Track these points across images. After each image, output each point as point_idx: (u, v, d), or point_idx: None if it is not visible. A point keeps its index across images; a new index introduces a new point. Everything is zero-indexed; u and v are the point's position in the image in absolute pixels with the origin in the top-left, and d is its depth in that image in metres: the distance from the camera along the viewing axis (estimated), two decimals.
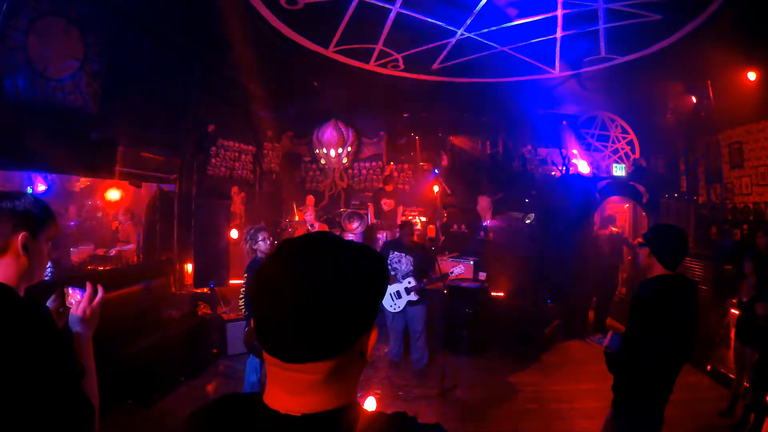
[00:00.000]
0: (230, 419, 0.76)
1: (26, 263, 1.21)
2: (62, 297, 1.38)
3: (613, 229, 7.32)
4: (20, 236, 1.19)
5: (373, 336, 0.76)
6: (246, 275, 3.86)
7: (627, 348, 2.27)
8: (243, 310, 3.87)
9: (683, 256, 2.31)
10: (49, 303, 1.37)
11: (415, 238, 5.60)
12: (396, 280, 5.10)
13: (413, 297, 5.04)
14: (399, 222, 8.10)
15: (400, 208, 8.42)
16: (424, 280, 5.06)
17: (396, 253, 5.19)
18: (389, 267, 5.13)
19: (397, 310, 5.07)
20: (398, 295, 5.06)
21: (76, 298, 1.37)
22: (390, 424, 0.74)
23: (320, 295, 0.67)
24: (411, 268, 5.11)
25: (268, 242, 3.96)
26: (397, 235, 5.55)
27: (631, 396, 2.25)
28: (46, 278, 1.37)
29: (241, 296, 3.90)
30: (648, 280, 2.28)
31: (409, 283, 5.04)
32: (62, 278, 4.42)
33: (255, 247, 3.93)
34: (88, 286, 1.38)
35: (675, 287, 2.24)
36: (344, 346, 0.70)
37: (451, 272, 5.09)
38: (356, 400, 0.77)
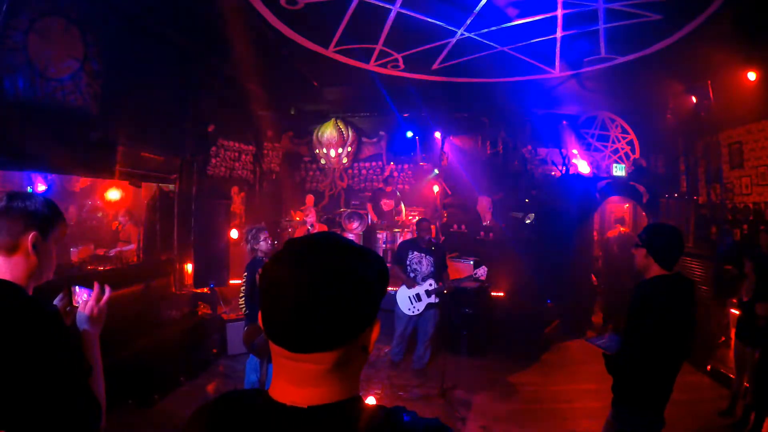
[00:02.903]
0: (236, 413, 0.78)
1: (35, 263, 1.23)
2: (69, 296, 1.41)
3: (621, 228, 7.32)
4: (30, 236, 1.22)
5: (376, 331, 0.79)
6: (246, 274, 3.85)
7: (626, 349, 2.26)
8: (243, 309, 3.86)
9: (680, 255, 2.31)
10: (56, 302, 1.40)
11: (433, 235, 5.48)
12: (416, 283, 4.95)
13: (434, 299, 4.91)
14: (398, 221, 8.11)
15: (400, 208, 8.41)
16: (440, 284, 4.95)
17: (416, 253, 5.05)
18: (409, 268, 5.05)
19: (416, 313, 4.93)
20: (418, 297, 4.93)
21: (83, 297, 1.40)
22: (390, 416, 0.76)
23: (323, 290, 0.70)
24: (432, 269, 4.98)
25: (269, 242, 3.95)
26: (396, 235, 5.49)
27: (631, 397, 2.25)
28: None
29: (241, 295, 3.88)
30: (646, 280, 2.28)
31: (430, 285, 4.92)
32: (64, 278, 4.42)
33: (257, 246, 3.92)
34: (96, 286, 1.41)
35: (673, 287, 2.24)
36: (347, 338, 0.73)
37: (475, 273, 4.98)
38: (359, 393, 0.79)
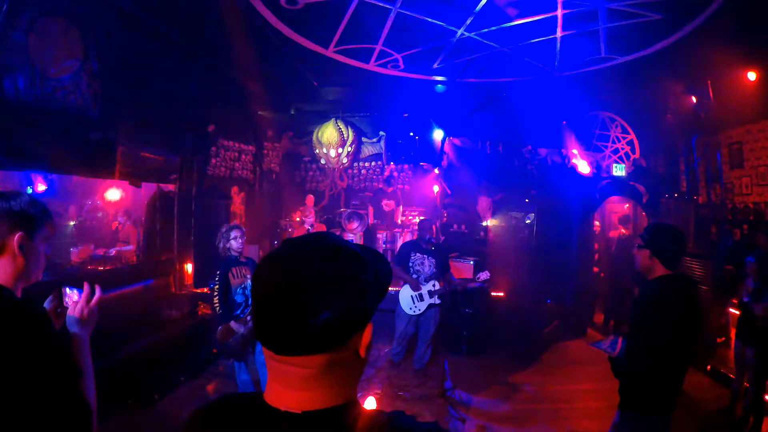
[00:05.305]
0: (231, 417, 0.77)
1: (23, 263, 1.20)
2: (60, 297, 1.36)
3: (622, 230, 7.32)
4: (16, 236, 1.18)
5: (367, 335, 0.76)
6: (219, 272, 3.82)
7: (632, 351, 2.23)
8: (218, 309, 3.83)
9: (683, 254, 2.30)
10: (46, 303, 1.36)
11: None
12: (419, 284, 4.99)
13: (436, 300, 4.95)
14: (398, 221, 8.12)
15: (400, 208, 8.42)
16: (442, 284, 4.97)
17: (418, 254, 5.08)
18: (411, 270, 5.07)
19: (418, 312, 4.97)
20: (420, 297, 4.96)
21: (73, 298, 1.36)
22: (389, 422, 0.75)
23: (307, 293, 0.69)
24: (434, 270, 5.01)
25: (240, 241, 3.90)
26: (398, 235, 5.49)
27: (639, 400, 2.21)
28: (44, 278, 1.35)
29: (215, 294, 3.86)
30: (651, 281, 2.26)
31: (434, 286, 4.95)
32: (61, 278, 4.43)
33: (228, 245, 3.89)
34: (86, 287, 1.37)
35: (678, 287, 2.22)
36: (335, 342, 0.71)
37: (477, 278, 4.99)
38: (356, 398, 0.77)
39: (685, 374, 2.22)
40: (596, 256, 8.12)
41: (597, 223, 8.84)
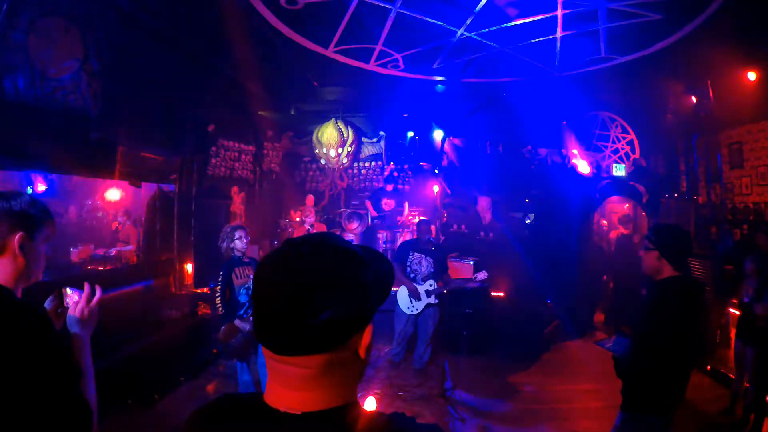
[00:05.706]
0: (231, 418, 0.77)
1: (23, 264, 1.19)
2: (60, 297, 1.36)
3: (623, 230, 7.31)
4: (17, 237, 1.18)
5: (367, 335, 0.76)
6: (222, 273, 3.81)
7: (639, 351, 2.21)
8: (220, 308, 3.83)
9: (690, 254, 2.30)
10: (47, 303, 1.36)
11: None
12: (415, 284, 5.01)
13: (433, 300, 4.97)
14: (400, 221, 8.12)
15: (406, 205, 8.38)
16: (440, 284, 4.98)
17: (416, 254, 5.09)
18: (409, 269, 5.08)
19: (415, 312, 4.99)
20: (417, 297, 4.99)
21: (74, 298, 1.35)
22: (389, 424, 0.75)
23: (304, 293, 0.69)
24: (432, 270, 5.02)
25: (245, 241, 3.88)
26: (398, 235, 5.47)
27: (643, 401, 2.20)
28: (44, 279, 1.35)
29: (218, 294, 3.85)
30: (660, 281, 2.25)
31: (431, 285, 4.96)
32: (61, 278, 4.43)
33: (232, 245, 3.87)
34: (86, 287, 1.36)
35: (685, 289, 2.22)
36: (334, 342, 0.71)
37: (475, 277, 5.00)
38: (356, 399, 0.77)
39: (689, 376, 2.21)
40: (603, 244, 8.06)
41: (605, 222, 8.83)
